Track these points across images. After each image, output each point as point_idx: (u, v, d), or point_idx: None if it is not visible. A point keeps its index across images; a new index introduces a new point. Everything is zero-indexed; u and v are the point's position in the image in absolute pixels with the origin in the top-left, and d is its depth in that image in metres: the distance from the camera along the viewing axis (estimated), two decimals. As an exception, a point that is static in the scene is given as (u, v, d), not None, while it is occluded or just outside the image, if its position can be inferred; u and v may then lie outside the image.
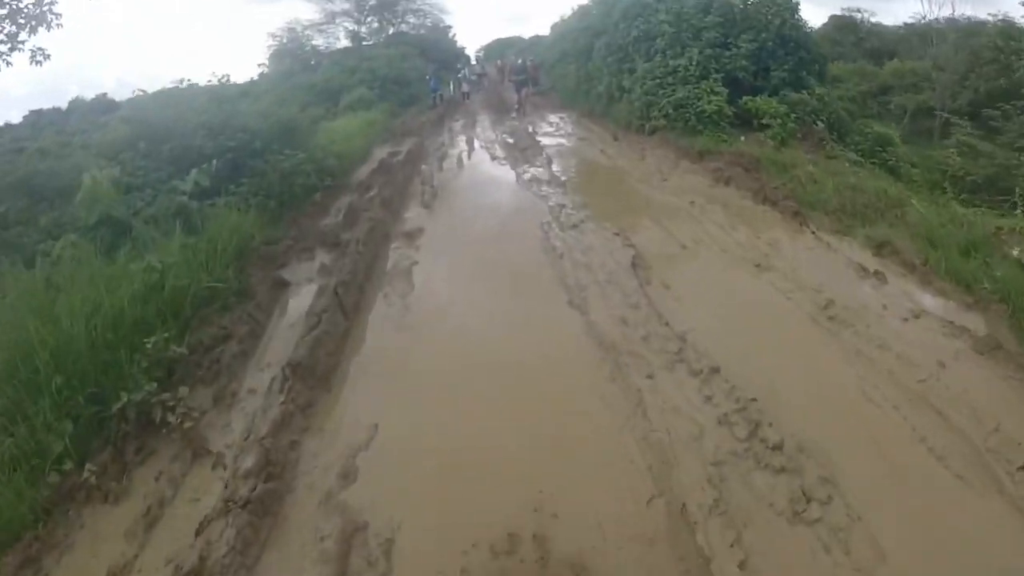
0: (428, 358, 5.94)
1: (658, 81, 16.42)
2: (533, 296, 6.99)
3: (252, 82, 42.00)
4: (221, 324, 6.65)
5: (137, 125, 12.33)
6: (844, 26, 34.52)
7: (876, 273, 7.06)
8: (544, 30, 46.64)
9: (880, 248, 7.84)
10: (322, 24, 41.94)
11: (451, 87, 28.60)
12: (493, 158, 14.36)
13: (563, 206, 9.97)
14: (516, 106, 23.03)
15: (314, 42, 41.67)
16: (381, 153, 15.71)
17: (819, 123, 15.76)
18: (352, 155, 14.97)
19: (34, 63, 10.04)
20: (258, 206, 10.55)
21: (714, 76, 16.02)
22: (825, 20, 34.78)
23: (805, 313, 6.36)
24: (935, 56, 26.95)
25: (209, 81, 18.06)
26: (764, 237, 8.53)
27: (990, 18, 26.69)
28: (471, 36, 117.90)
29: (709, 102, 15.17)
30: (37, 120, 40.12)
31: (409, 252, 8.55)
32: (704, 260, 7.95)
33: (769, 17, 17.14)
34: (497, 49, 54.73)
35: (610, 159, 13.73)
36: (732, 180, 11.05)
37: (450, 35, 47.38)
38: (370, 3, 42.64)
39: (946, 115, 22.88)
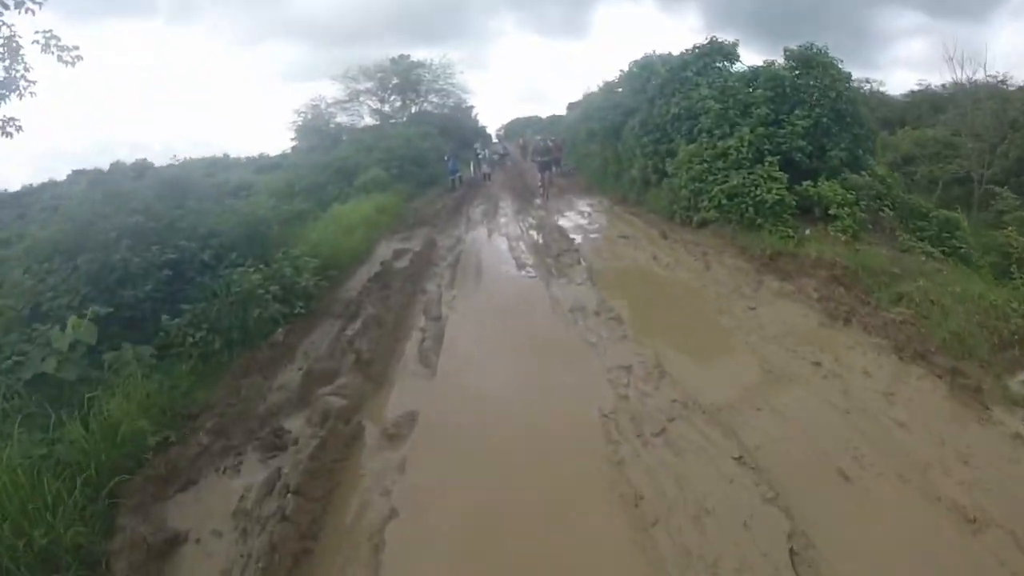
0: None
1: (706, 165, 13.02)
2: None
3: (284, 155, 39.99)
4: None
5: (69, 222, 8.73)
6: (854, 99, 31.75)
7: None
8: (561, 109, 44.59)
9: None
10: (346, 102, 39.31)
11: (471, 168, 25.21)
12: (519, 265, 10.59)
13: (629, 370, 6.09)
14: (540, 190, 19.50)
15: (337, 119, 38.90)
16: (385, 251, 12.10)
17: (885, 210, 12.56)
18: (349, 255, 11.39)
19: (4, 135, 7.17)
20: (198, 347, 7.03)
21: (769, 159, 12.65)
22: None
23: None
24: (949, 122, 25.15)
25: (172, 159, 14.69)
26: (949, 440, 4.82)
27: (992, 80, 24.09)
28: (491, 115, 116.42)
29: (768, 190, 11.86)
30: (78, 180, 39.25)
31: (385, 480, 4.61)
32: (883, 510, 4.08)
33: (823, 89, 13.75)
34: (516, 128, 52.92)
35: (667, 269, 9.93)
36: (852, 316, 7.29)
37: (473, 115, 44.64)
38: (393, 82, 39.98)
39: (986, 185, 20.53)
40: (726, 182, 12.43)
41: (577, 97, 36.36)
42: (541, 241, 12.18)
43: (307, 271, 8.48)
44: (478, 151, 26.33)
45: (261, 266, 8.13)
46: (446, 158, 23.19)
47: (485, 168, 24.78)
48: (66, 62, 6.92)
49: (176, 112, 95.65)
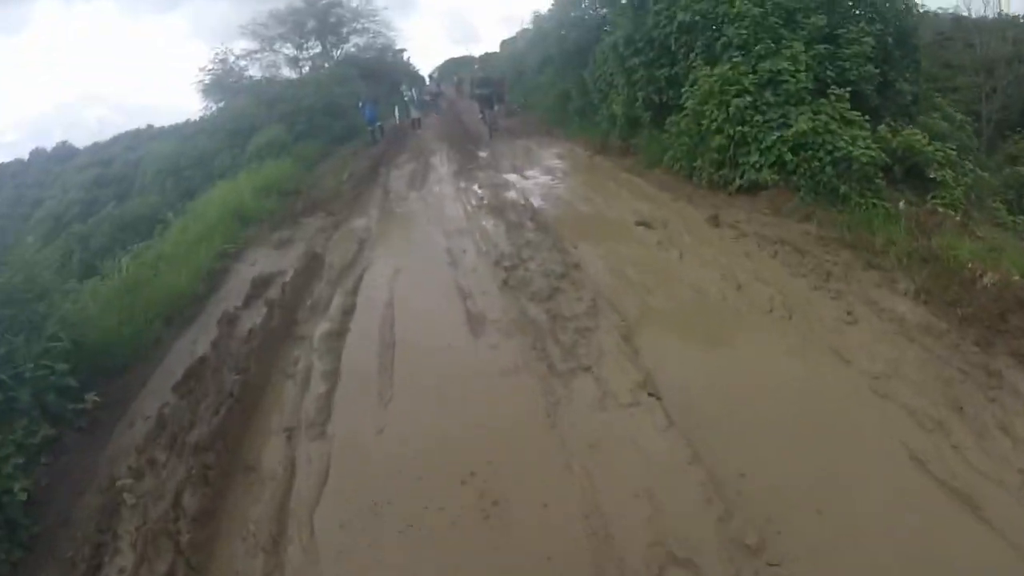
0: None
1: (749, 99, 7.33)
2: None
3: (206, 119, 31.94)
4: None
5: None
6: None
7: None
8: (494, 48, 38.45)
9: None
10: (257, 52, 30.82)
11: (396, 113, 18.62)
12: (474, 322, 4.55)
13: None
14: (488, 132, 13.54)
15: (249, 73, 30.46)
16: (241, 282, 6.14)
17: (972, 167, 8.26)
18: (168, 307, 5.39)
19: None
20: None
21: (835, 91, 7.31)
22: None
23: None
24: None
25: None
26: None
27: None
28: (424, 59, 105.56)
29: (852, 140, 6.73)
30: (-2, 175, 34.50)
31: None
32: None
33: (888, 2, 8.83)
34: (450, 69, 45.59)
35: (785, 334, 4.12)
36: None
37: (404, 58, 36.66)
38: (310, 24, 31.73)
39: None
40: (786, 126, 7.06)
41: (511, 34, 30.05)
42: (506, 245, 6.15)
43: None
44: (405, 93, 19.58)
45: None
46: (360, 104, 16.53)
47: (414, 112, 18.21)
48: None
49: (106, 87, 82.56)
